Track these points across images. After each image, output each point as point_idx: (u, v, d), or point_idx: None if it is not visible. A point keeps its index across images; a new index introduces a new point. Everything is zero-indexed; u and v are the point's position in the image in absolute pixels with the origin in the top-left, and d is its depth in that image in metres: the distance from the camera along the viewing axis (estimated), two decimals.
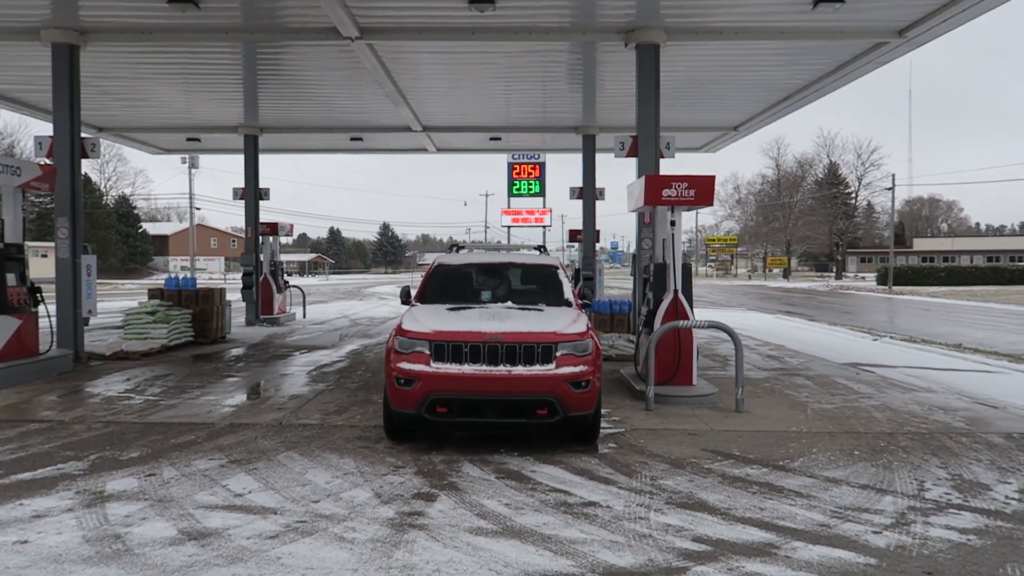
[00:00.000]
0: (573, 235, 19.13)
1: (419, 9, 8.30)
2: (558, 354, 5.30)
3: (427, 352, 5.32)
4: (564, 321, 5.71)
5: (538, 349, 5.28)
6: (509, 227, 22.94)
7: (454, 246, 8.12)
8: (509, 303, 6.31)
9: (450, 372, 5.23)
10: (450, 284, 6.85)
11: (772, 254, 70.26)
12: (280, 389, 8.20)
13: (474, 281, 7.05)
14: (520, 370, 5.25)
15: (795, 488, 4.77)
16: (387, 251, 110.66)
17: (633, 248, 10.33)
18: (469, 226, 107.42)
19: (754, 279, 62.77)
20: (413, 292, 6.86)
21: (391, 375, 5.41)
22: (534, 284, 7.08)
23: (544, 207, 22.58)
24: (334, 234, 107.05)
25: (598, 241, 17.75)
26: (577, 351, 5.37)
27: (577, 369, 5.30)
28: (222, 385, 8.45)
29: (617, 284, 42.46)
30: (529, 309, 6.14)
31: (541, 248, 8.22)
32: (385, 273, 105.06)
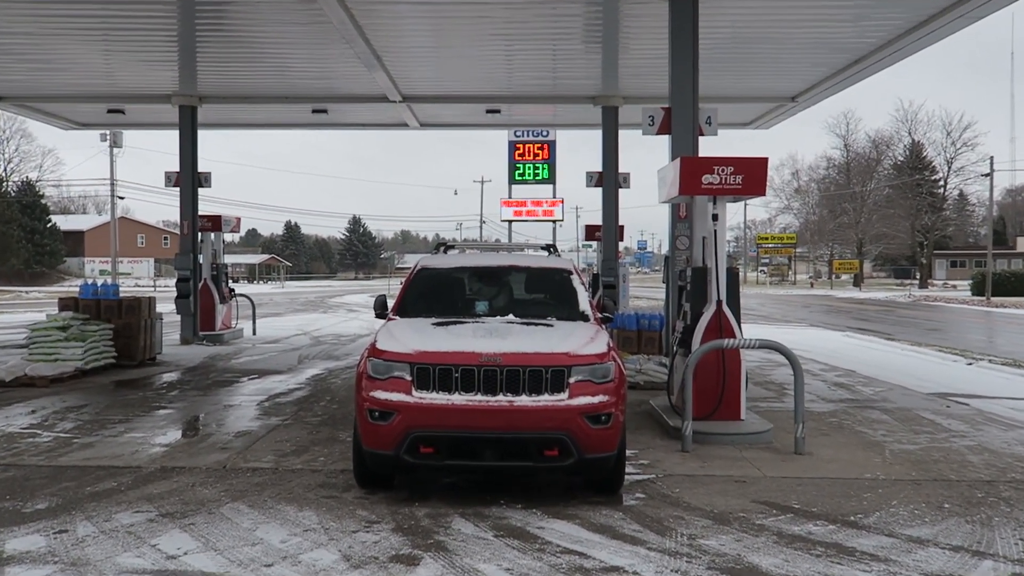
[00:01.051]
0: (590, 232, 19.20)
1: None
2: (572, 380, 5.34)
3: (408, 378, 5.35)
4: (579, 339, 5.75)
5: (547, 374, 5.32)
6: (510, 222, 23.01)
7: (441, 245, 8.16)
8: (510, 316, 6.37)
9: (437, 403, 5.26)
10: (437, 293, 6.92)
11: (840, 256, 70.52)
12: (224, 424, 8.25)
13: (467, 289, 7.12)
14: (524, 400, 5.28)
15: (870, 550, 4.75)
16: (358, 252, 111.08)
17: (665, 249, 10.37)
18: (460, 220, 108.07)
19: (817, 287, 62.95)
20: (390, 303, 6.94)
21: (363, 407, 5.46)
22: (542, 293, 7.15)
23: (554, 197, 22.67)
24: (292, 230, 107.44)
25: (622, 240, 17.81)
26: (595, 377, 5.40)
27: (596, 399, 5.34)
28: (151, 419, 8.46)
29: (646, 293, 42.50)
30: (535, 324, 6.18)
31: (550, 248, 8.26)
32: (355, 279, 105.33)
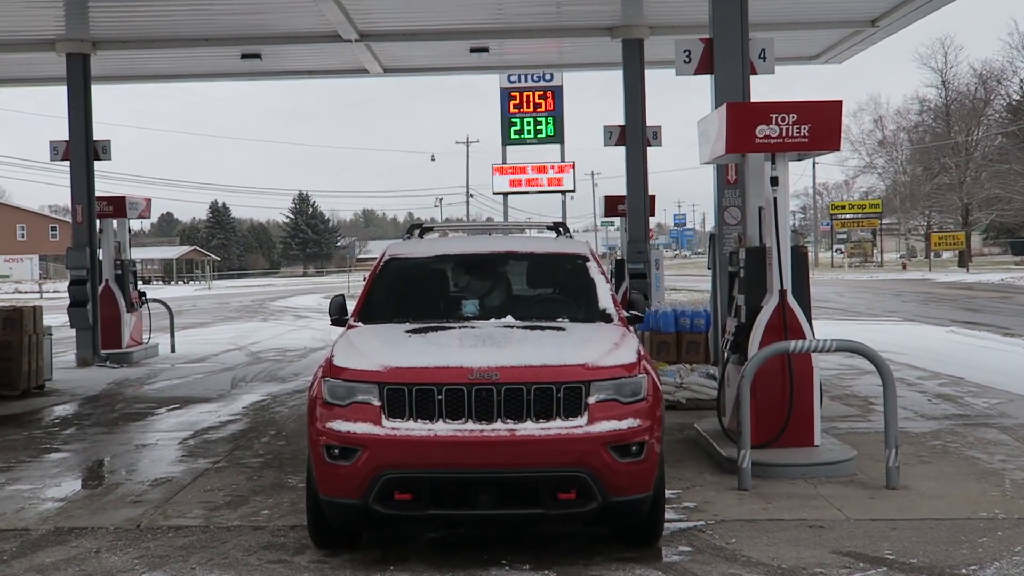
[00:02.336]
0: (611, 205, 19.19)
1: None
2: (592, 400, 5.39)
3: (376, 403, 5.40)
4: (600, 346, 5.82)
5: (558, 393, 5.36)
6: (506, 194, 22.94)
7: (416, 228, 8.20)
8: (509, 318, 6.41)
9: (414, 435, 5.30)
10: (412, 290, 7.03)
11: (940, 228, 70.35)
12: (136, 470, 8.28)
13: (451, 284, 7.23)
14: (530, 428, 5.31)
15: None
16: (306, 239, 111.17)
17: (710, 224, 10.35)
18: (440, 195, 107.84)
19: (912, 269, 62.97)
20: (351, 305, 6.99)
21: (318, 442, 5.50)
22: (549, 286, 7.26)
23: (563, 161, 22.60)
24: (219, 214, 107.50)
25: (653, 214, 17.78)
26: (622, 395, 5.46)
27: (623, 425, 5.39)
28: (41, 465, 8.45)
29: (686, 283, 42.30)
30: (542, 327, 6.23)
31: (559, 228, 8.28)
32: (304, 275, 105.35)
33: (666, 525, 6.06)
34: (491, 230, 9.84)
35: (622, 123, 15.94)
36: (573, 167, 21.13)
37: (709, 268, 10.91)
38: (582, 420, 5.38)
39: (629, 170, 15.88)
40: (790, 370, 7.67)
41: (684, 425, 9.42)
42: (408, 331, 6.25)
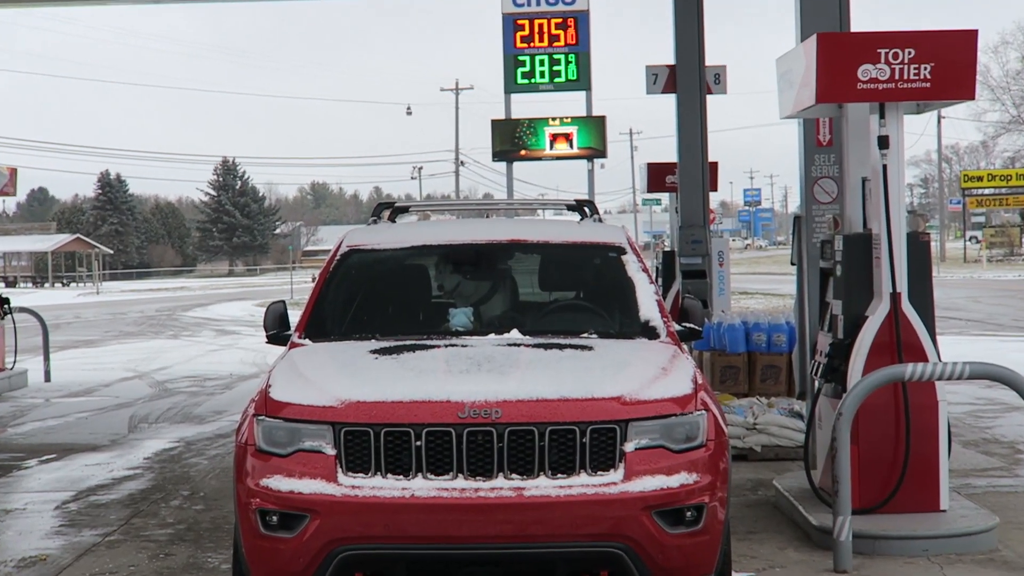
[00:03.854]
0: (657, 177, 19.08)
1: None
2: (630, 447, 5.42)
3: (330, 451, 5.44)
4: (641, 371, 5.88)
5: (583, 437, 5.38)
6: (510, 161, 22.93)
7: (386, 208, 8.25)
8: (514, 333, 6.50)
9: (383, 497, 5.32)
10: (379, 294, 7.17)
11: None
12: None
13: (434, 285, 7.27)
14: (544, 487, 5.34)
15: None
16: (234, 224, 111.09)
17: (794, 203, 10.32)
18: (418, 162, 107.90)
19: None
20: (295, 316, 7.01)
21: (248, 507, 5.55)
22: (570, 288, 7.40)
23: (589, 111, 22.60)
24: (111, 190, 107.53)
25: (715, 189, 17.65)
26: (673, 439, 5.50)
27: (674, 481, 5.41)
28: None
29: (760, 285, 41.90)
30: (560, 346, 6.33)
31: (584, 208, 8.31)
32: (231, 274, 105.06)
33: None
34: (490, 211, 9.87)
35: (671, 62, 15.85)
36: (604, 124, 21.11)
37: (793, 263, 10.87)
38: (616, 475, 5.37)
39: (681, 128, 15.75)
40: (906, 405, 7.63)
41: (759, 482, 9.39)
42: (374, 351, 6.24)
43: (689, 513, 5.44)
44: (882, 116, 7.81)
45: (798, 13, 9.49)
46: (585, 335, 6.56)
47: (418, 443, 5.40)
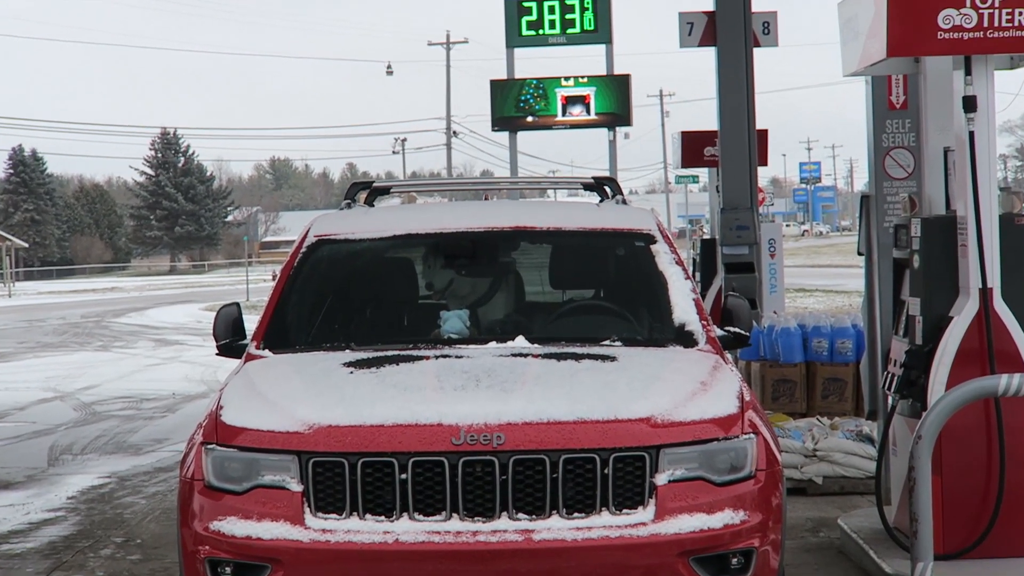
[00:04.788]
0: (694, 148, 19.08)
1: None
2: (662, 479, 5.49)
3: (295, 487, 5.50)
4: (675, 386, 5.92)
5: (605, 468, 5.43)
6: (513, 131, 23.01)
7: (362, 188, 8.19)
8: (520, 340, 6.60)
9: (361, 543, 5.39)
10: (354, 295, 7.01)
11: None
12: None
13: (421, 282, 7.15)
14: (558, 529, 5.39)
15: None
16: (175, 212, 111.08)
17: (861, 181, 10.32)
18: (402, 134, 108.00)
19: None
20: (252, 323, 7.01)
21: (196, 556, 5.62)
22: (587, 285, 7.30)
23: (609, 69, 22.66)
24: (25, 169, 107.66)
25: (764, 164, 17.72)
26: (715, 470, 5.57)
27: (716, 521, 5.47)
28: None
29: (821, 281, 41.95)
30: (576, 356, 6.37)
31: (605, 187, 8.28)
32: (173, 271, 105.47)
33: None
34: (490, 192, 9.89)
35: (710, 7, 15.94)
36: (627, 81, 21.13)
37: (861, 254, 10.76)
38: (645, 513, 5.42)
39: (723, 89, 15.77)
40: (1000, 426, 7.48)
41: (820, 521, 9.31)
42: (349, 364, 6.23)
43: (735, 560, 5.46)
44: (968, 72, 7.57)
45: None
46: (607, 343, 6.57)
47: (403, 476, 5.40)
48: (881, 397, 9.05)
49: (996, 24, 7.32)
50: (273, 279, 7.60)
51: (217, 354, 6.96)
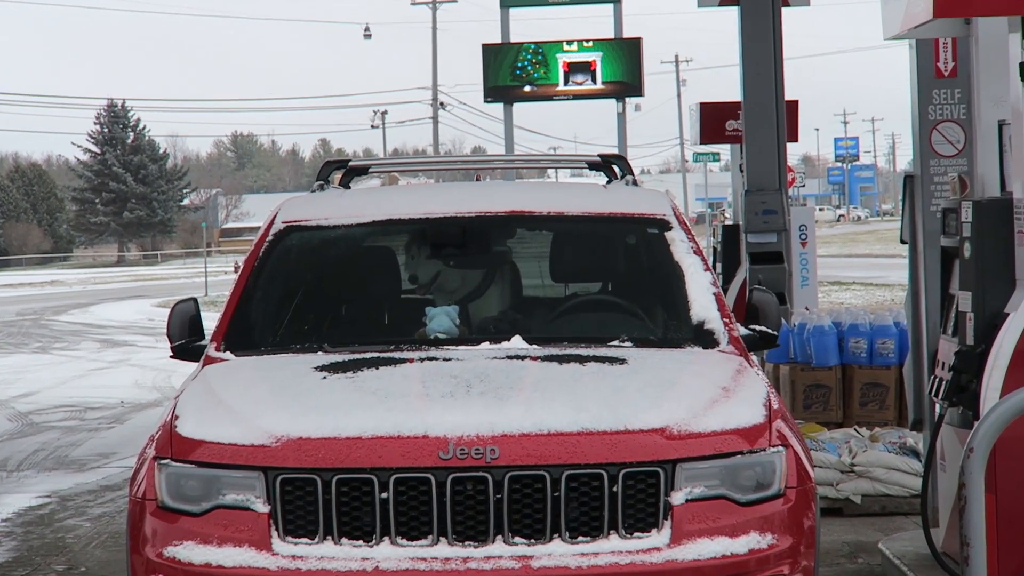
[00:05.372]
0: (714, 122, 19.11)
1: None
2: (679, 498, 5.55)
3: (261, 507, 5.54)
4: (694, 392, 5.97)
5: (613, 485, 5.47)
6: (509, 102, 23.05)
7: (336, 167, 8.18)
8: (516, 341, 6.60)
9: (335, 571, 5.48)
10: (327, 289, 6.93)
11: None
12: None
13: (404, 274, 7.12)
14: (560, 556, 5.46)
15: None
16: (123, 195, 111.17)
17: (905, 160, 10.32)
18: (381, 106, 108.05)
19: None
20: (212, 321, 6.97)
21: None
22: (593, 278, 7.19)
23: (618, 32, 22.70)
24: None
25: (794, 139, 17.71)
26: (738, 487, 5.63)
27: (740, 545, 5.57)
28: None
29: (859, 272, 42.05)
30: (581, 358, 6.39)
31: (613, 166, 8.26)
32: (120, 262, 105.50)
33: None
34: (482, 171, 9.87)
35: None
36: (639, 46, 21.19)
37: (904, 242, 10.75)
38: (660, 537, 5.42)
39: (747, 54, 15.89)
40: None
41: (859, 545, 9.27)
42: (322, 368, 6.18)
43: None
44: None
45: None
46: (615, 343, 6.54)
47: (384, 495, 5.37)
48: (928, 404, 9.02)
49: None
50: (235, 271, 7.56)
51: (171, 357, 6.92)
